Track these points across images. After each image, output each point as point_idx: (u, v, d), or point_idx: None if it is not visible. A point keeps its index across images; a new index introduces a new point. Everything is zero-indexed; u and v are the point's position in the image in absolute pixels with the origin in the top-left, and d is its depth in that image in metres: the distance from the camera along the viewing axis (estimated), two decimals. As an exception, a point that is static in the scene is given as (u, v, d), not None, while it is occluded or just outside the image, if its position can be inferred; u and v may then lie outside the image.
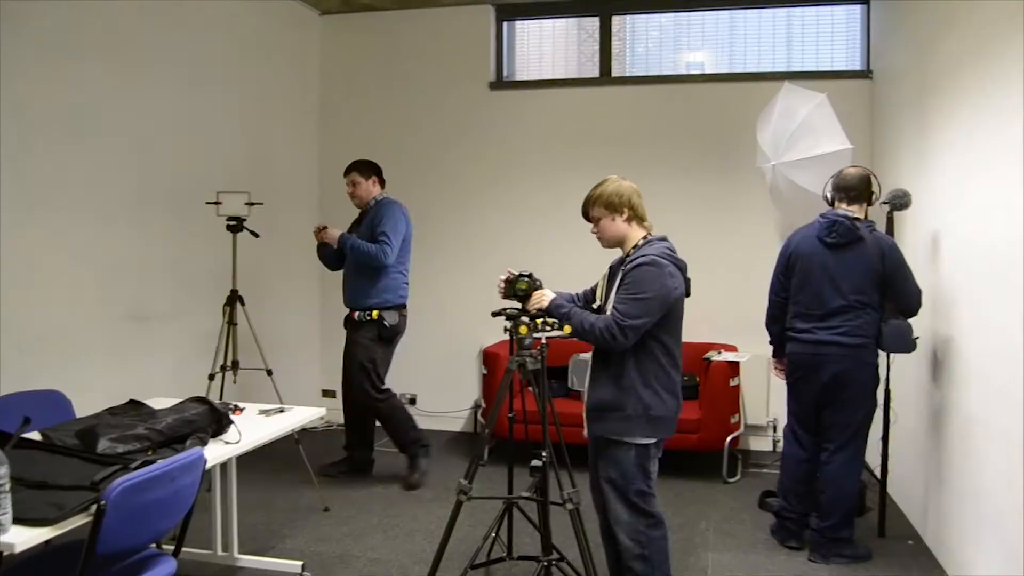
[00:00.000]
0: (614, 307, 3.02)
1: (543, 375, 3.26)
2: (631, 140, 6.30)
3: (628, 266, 3.05)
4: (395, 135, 6.76)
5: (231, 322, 4.83)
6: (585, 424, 3.18)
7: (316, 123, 6.90)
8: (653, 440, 3.11)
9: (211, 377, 4.79)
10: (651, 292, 2.98)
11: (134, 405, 3.30)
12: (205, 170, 5.40)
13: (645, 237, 3.14)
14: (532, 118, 6.52)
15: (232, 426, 3.17)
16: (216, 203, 4.83)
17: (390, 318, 5.04)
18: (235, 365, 4.82)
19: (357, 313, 5.02)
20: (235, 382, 4.90)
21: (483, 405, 6.06)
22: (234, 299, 4.87)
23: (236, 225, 4.83)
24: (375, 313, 5.01)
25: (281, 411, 3.64)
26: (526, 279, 3.26)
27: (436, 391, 6.75)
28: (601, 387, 3.12)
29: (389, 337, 5.07)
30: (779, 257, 4.20)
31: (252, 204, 4.79)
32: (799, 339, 4.07)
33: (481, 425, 6.31)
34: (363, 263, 4.96)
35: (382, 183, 5.19)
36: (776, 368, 4.32)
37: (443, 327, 6.70)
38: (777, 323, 4.22)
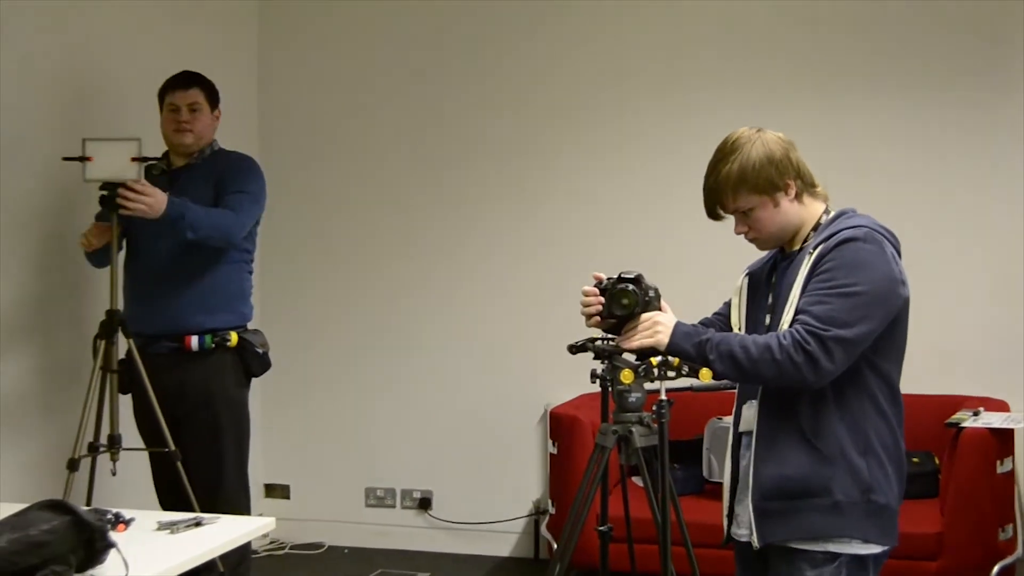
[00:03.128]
0: (802, 310, 3.02)
1: (663, 456, 3.29)
2: (786, 54, 6.21)
3: (826, 245, 3.07)
4: (373, 58, 6.81)
5: (108, 368, 4.75)
6: (753, 527, 3.12)
7: (255, 30, 6.98)
8: (879, 549, 3.07)
9: (73, 465, 4.71)
10: (869, 283, 2.98)
11: (-61, 517, 3.15)
12: (63, 108, 5.38)
13: (827, 210, 3.23)
14: (612, 31, 6.48)
15: (112, 551, 3.03)
16: (82, 159, 4.68)
17: (259, 342, 4.99)
18: (115, 443, 4.76)
19: (195, 340, 4.87)
20: (115, 472, 4.81)
21: (551, 510, 5.96)
22: (112, 328, 4.77)
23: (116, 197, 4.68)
24: (234, 338, 4.91)
25: (197, 524, 3.51)
26: (630, 288, 3.24)
27: (466, 487, 6.69)
28: (780, 456, 3.09)
29: (255, 376, 5.05)
30: None
31: (146, 161, 4.68)
32: None
33: (549, 544, 6.16)
34: (202, 244, 4.78)
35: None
36: None
37: (478, 377, 6.64)
38: None
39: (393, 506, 6.79)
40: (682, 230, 6.05)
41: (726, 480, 3.30)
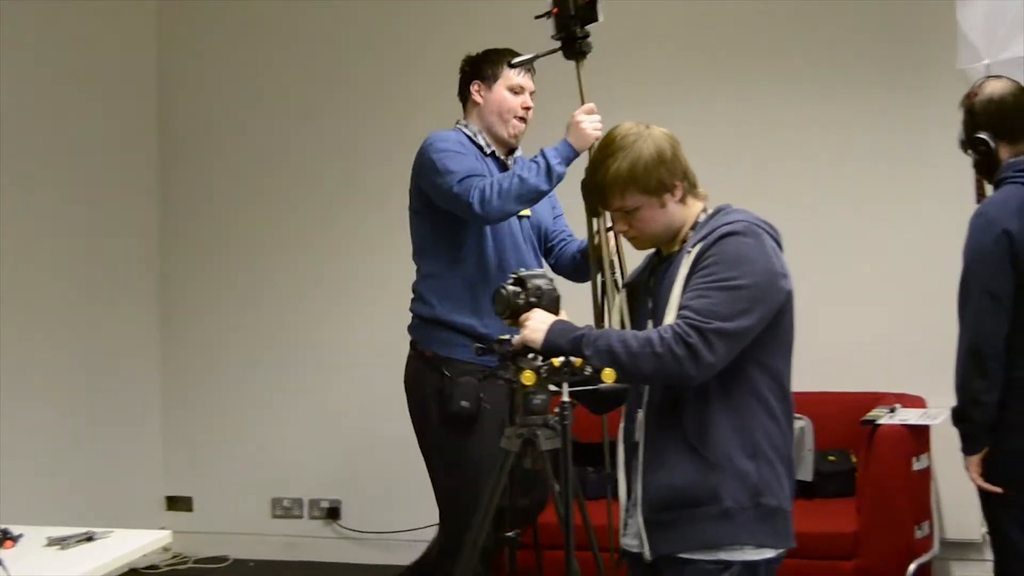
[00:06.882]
0: (684, 305, 3.02)
1: (566, 459, 3.27)
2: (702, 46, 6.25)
3: (706, 241, 3.08)
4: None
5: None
6: (644, 539, 3.13)
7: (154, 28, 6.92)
8: (773, 553, 3.08)
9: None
10: (750, 277, 3.00)
11: None
12: None
13: (705, 209, 3.25)
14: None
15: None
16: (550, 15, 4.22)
17: None
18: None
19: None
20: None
21: (459, 516, 5.90)
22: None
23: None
24: None
25: (88, 539, 3.48)
26: (503, 289, 3.28)
27: (374, 496, 6.67)
28: (668, 464, 3.09)
29: None
30: (976, 258, 3.87)
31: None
32: None
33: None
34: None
35: None
36: (976, 471, 4.09)
37: (380, 376, 6.47)
38: (995, 389, 3.96)
39: (300, 516, 6.76)
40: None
41: (621, 491, 3.28)
